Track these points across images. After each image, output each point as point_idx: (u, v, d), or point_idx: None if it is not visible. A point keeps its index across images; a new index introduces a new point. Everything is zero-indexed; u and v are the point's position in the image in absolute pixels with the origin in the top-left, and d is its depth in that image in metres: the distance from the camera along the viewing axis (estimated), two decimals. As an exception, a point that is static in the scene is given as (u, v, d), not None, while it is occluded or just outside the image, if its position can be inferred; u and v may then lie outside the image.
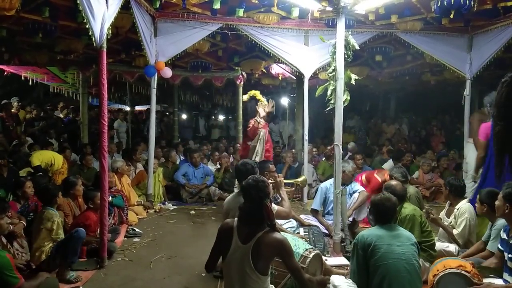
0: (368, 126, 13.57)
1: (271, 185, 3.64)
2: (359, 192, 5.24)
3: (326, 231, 4.96)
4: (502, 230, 3.27)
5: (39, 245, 3.97)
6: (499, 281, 3.14)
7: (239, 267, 2.45)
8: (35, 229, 4.05)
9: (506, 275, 3.11)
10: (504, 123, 3.82)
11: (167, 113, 15.87)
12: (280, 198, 4.10)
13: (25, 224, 4.17)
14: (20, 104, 10.15)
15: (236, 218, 2.57)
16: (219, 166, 8.48)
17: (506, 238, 3.16)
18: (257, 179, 2.60)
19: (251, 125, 6.00)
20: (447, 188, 4.37)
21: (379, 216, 3.08)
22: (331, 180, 5.45)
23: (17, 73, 9.97)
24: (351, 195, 5.19)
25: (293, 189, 5.63)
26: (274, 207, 3.27)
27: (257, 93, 6.08)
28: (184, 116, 15.13)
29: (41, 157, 6.25)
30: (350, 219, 5.00)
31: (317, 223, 5.06)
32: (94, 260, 4.24)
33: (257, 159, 5.76)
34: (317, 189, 5.58)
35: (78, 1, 3.81)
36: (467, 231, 4.08)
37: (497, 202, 3.21)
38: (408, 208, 3.83)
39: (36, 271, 3.70)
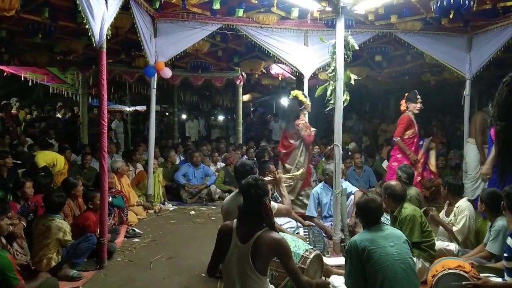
0: (365, 127, 13.54)
1: (270, 182, 3.67)
2: (353, 193, 5.17)
3: (325, 234, 4.94)
4: (506, 232, 3.27)
5: (46, 253, 3.94)
6: (499, 281, 3.14)
7: (238, 267, 2.45)
8: (41, 236, 3.97)
9: (506, 276, 3.12)
10: (505, 123, 3.83)
11: (166, 113, 15.87)
12: (280, 198, 4.11)
13: (25, 225, 4.17)
14: (19, 104, 10.17)
15: (235, 220, 2.58)
16: (218, 167, 8.48)
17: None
18: (256, 178, 2.62)
19: (301, 125, 5.73)
20: (446, 187, 4.36)
21: (366, 218, 3.05)
22: (321, 184, 5.44)
23: (17, 73, 9.98)
24: (347, 197, 5.12)
25: (292, 183, 5.58)
26: (274, 205, 3.27)
27: (299, 94, 5.87)
28: (184, 116, 15.12)
29: (45, 158, 6.25)
30: (351, 222, 4.96)
31: (317, 225, 5.06)
32: (94, 261, 4.23)
33: (302, 159, 5.70)
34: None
35: (77, 2, 3.81)
36: (466, 229, 4.08)
37: (503, 202, 3.23)
38: (408, 209, 3.82)
39: (36, 272, 3.71)
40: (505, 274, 3.08)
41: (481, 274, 3.12)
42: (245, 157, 8.87)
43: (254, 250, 2.42)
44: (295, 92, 5.94)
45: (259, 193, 2.51)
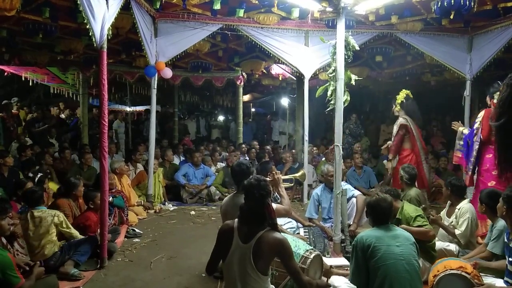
0: (365, 127, 13.50)
1: (269, 183, 3.67)
2: (355, 197, 5.11)
3: (325, 235, 4.92)
4: (505, 234, 3.27)
5: (50, 240, 3.99)
6: (500, 282, 3.14)
7: (240, 267, 2.45)
8: (37, 228, 3.98)
9: (507, 279, 3.12)
10: (500, 122, 3.86)
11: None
12: (279, 198, 4.11)
13: (25, 224, 4.17)
14: (19, 104, 10.16)
15: (236, 219, 2.58)
16: (218, 167, 8.48)
17: (507, 241, 3.16)
18: (258, 179, 2.63)
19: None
20: (449, 188, 4.35)
21: (376, 217, 3.06)
22: (321, 186, 5.43)
23: (17, 73, 9.97)
24: (348, 199, 5.05)
25: (292, 184, 5.56)
26: (273, 205, 3.28)
27: (409, 93, 6.36)
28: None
29: None
30: (352, 227, 4.93)
31: (317, 225, 5.04)
32: (94, 261, 4.23)
33: (391, 156, 6.20)
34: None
35: (78, 2, 3.81)
36: (469, 231, 4.07)
37: (499, 204, 3.22)
38: (408, 210, 3.82)
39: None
40: (508, 277, 3.09)
41: (481, 274, 3.13)
42: (247, 157, 8.87)
43: (255, 250, 2.42)
44: (406, 91, 6.40)
45: (261, 194, 2.52)
